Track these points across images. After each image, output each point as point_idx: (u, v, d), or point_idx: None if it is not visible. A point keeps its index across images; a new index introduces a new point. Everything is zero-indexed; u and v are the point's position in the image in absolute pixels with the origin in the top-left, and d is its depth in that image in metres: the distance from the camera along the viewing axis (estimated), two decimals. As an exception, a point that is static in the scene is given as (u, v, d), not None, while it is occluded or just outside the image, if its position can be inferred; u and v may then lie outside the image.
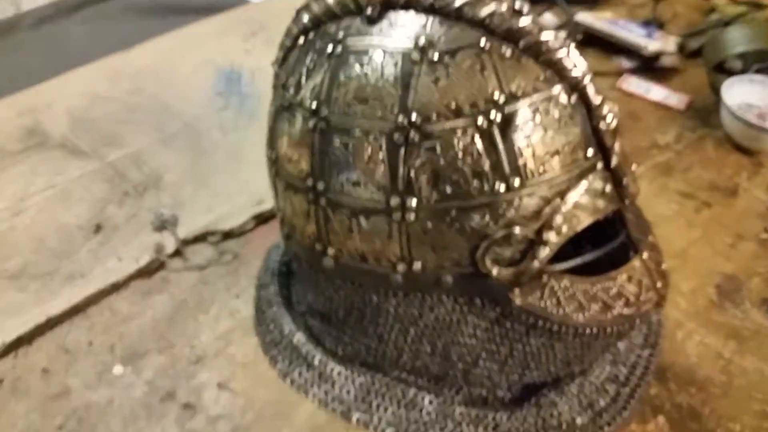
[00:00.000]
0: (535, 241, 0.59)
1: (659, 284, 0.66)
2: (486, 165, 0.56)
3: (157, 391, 0.77)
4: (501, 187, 0.56)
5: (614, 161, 0.60)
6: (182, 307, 0.87)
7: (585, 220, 0.59)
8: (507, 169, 0.56)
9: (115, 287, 0.90)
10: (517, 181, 0.57)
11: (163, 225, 0.95)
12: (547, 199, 0.57)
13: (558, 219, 0.58)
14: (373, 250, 0.62)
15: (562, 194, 0.57)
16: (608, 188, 0.61)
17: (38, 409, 0.75)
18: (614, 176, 0.61)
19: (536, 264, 0.60)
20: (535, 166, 0.57)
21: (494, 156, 0.56)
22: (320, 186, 0.61)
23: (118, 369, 0.80)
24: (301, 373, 0.77)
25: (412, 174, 0.57)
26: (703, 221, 0.99)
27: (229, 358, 0.81)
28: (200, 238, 0.95)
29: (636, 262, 0.64)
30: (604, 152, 0.60)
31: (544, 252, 0.59)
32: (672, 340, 0.82)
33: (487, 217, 0.58)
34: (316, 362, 0.77)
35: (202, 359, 0.81)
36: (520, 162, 0.57)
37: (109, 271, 0.92)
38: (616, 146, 0.60)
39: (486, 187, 0.56)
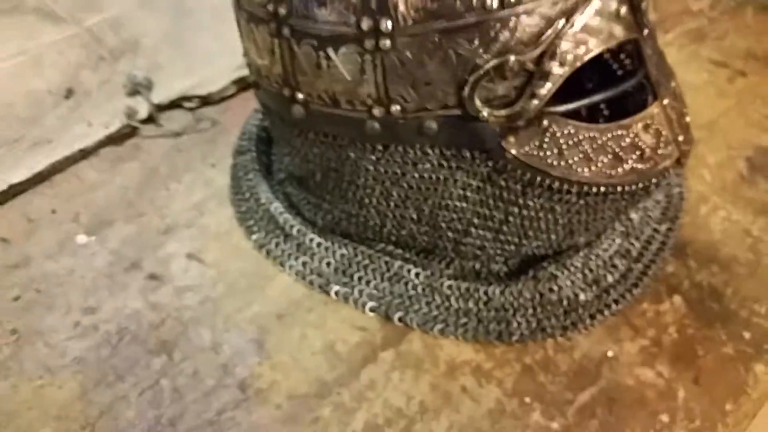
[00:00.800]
0: (533, 74, 0.49)
1: (681, 137, 0.56)
2: (475, -28, 0.46)
3: (122, 260, 0.71)
4: (493, 2, 0.46)
5: (633, -25, 0.49)
6: (153, 175, 0.80)
7: (595, 48, 0.49)
8: (500, -23, 0.45)
9: (84, 154, 0.83)
10: (512, -7, 0.47)
11: (135, 89, 0.87)
12: (550, 19, 0.47)
13: (562, 45, 0.48)
14: (345, 91, 0.53)
15: (567, 14, 0.47)
16: (624, 11, 0.49)
17: (-6, 279, 0.69)
18: (631, -3, 0.50)
19: (535, 103, 0.50)
20: (535, -26, 0.47)
21: (485, -40, 0.46)
22: (282, 10, 0.52)
23: (81, 238, 0.73)
24: (278, 244, 0.70)
25: (386, -13, 0.47)
26: (737, 91, 0.88)
27: (202, 229, 0.74)
28: (176, 104, 0.87)
29: (654, 109, 0.54)
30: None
31: (545, 88, 0.49)
32: (694, 215, 0.73)
33: (477, 42, 0.48)
34: (294, 232, 0.70)
35: (172, 229, 0.74)
36: (517, -32, 0.46)
37: (77, 137, 0.84)
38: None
39: (475, 2, 0.46)
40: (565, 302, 0.64)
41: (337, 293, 0.66)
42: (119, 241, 0.73)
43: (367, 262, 0.67)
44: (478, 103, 0.50)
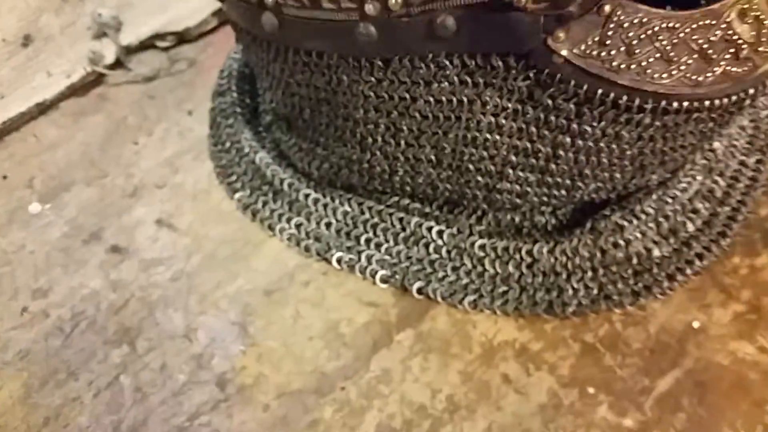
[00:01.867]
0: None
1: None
2: None
3: (80, 231, 0.58)
4: None
5: None
6: (120, 128, 0.67)
7: None
8: None
9: (42, 109, 0.70)
10: None
11: (102, 30, 0.73)
12: None
13: None
14: (325, -17, 0.38)
15: None
16: None
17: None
18: None
19: (593, -22, 0.35)
20: None
21: None
22: None
23: (34, 207, 0.61)
24: (266, 203, 0.57)
25: None
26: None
27: (175, 189, 0.60)
28: (148, 44, 0.73)
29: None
30: None
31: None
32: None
33: None
34: (285, 187, 0.56)
35: (139, 191, 0.61)
36: None
37: (35, 89, 0.71)
38: None
39: None
40: (634, 260, 0.49)
41: (339, 261, 0.53)
42: (77, 208, 0.60)
43: (376, 220, 0.53)
44: (511, -20, 0.35)
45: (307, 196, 0.55)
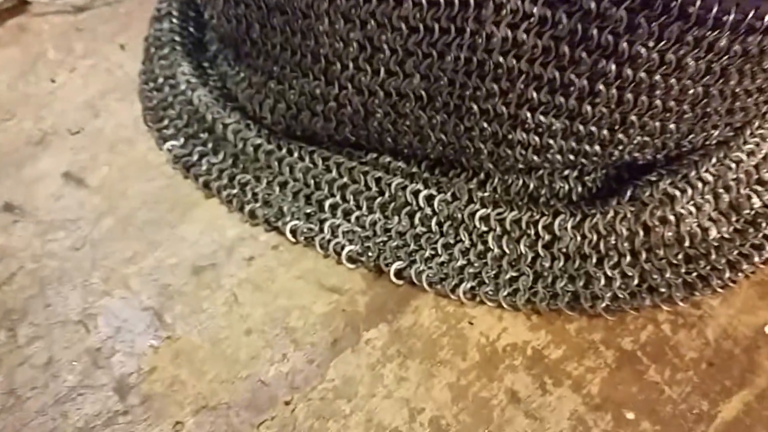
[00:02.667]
0: None
1: None
2: None
3: (-36, 183, 0.44)
4: None
5: None
6: (38, 63, 0.53)
7: None
8: None
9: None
10: None
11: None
12: None
13: None
14: None
15: None
16: None
17: None
18: None
19: None
20: None
21: None
22: None
23: None
24: (204, 155, 0.45)
25: None
26: None
27: (92, 136, 0.47)
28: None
29: None
30: None
31: None
32: None
33: None
34: (229, 135, 0.43)
35: (49, 137, 0.47)
36: None
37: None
38: None
39: None
40: (686, 242, 0.36)
41: (295, 231, 0.40)
42: (-33, 156, 0.46)
43: (345, 180, 0.40)
44: None
45: (257, 147, 0.42)
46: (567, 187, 0.40)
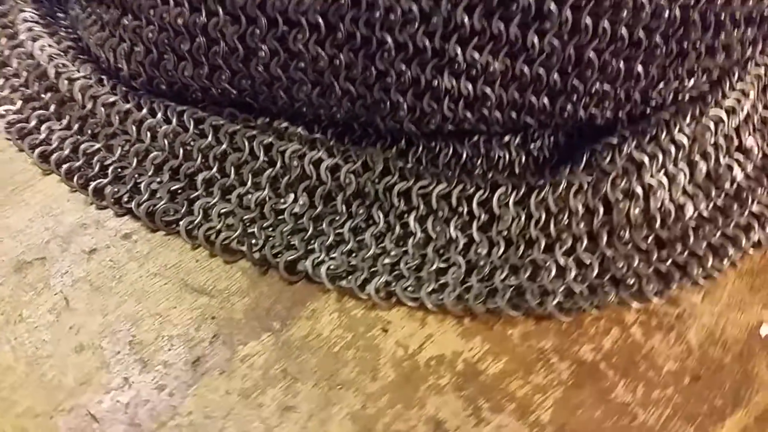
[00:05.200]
0: None
1: None
2: None
3: None
4: None
5: None
6: None
7: None
8: None
9: None
10: None
11: None
12: None
13: None
14: None
15: None
16: None
17: None
18: None
19: None
20: None
21: None
22: None
23: None
24: (44, 120, 0.35)
25: None
26: None
27: None
28: None
29: None
30: None
31: None
32: None
33: None
34: (76, 93, 0.35)
35: None
36: None
37: None
38: None
39: None
40: (657, 221, 0.28)
41: (153, 214, 0.29)
42: None
43: (224, 147, 0.31)
44: None
45: (109, 106, 0.32)
46: (508, 156, 0.32)
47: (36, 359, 0.27)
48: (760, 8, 0.27)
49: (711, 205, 0.31)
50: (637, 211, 0.29)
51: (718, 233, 0.30)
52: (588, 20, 0.25)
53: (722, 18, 0.26)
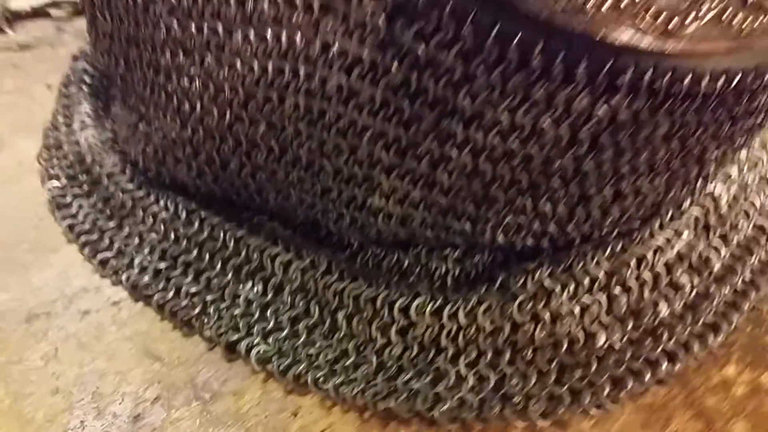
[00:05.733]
0: None
1: None
2: None
3: None
4: None
5: None
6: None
7: None
8: None
9: None
10: None
11: (-7, -10, 0.60)
12: None
13: None
14: None
15: None
16: None
17: None
18: None
19: None
20: None
21: None
22: None
23: None
24: (77, 197, 0.42)
25: None
26: None
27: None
28: (41, 12, 0.60)
29: None
30: None
31: None
32: None
33: None
34: (103, 178, 0.40)
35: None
36: None
37: None
38: None
39: None
40: (563, 347, 0.31)
41: (136, 286, 0.36)
42: None
43: (205, 236, 0.37)
44: None
45: (125, 192, 0.39)
46: (444, 268, 0.35)
47: (21, 396, 0.33)
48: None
49: (625, 338, 0.32)
50: (543, 334, 0.31)
51: (624, 366, 0.31)
52: (486, 164, 0.28)
53: (621, 168, 0.29)
